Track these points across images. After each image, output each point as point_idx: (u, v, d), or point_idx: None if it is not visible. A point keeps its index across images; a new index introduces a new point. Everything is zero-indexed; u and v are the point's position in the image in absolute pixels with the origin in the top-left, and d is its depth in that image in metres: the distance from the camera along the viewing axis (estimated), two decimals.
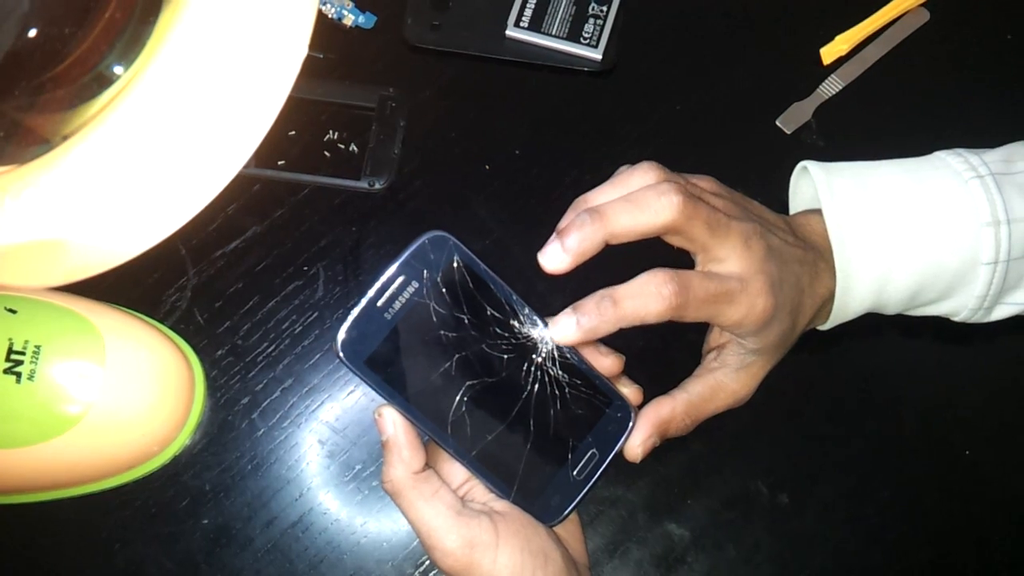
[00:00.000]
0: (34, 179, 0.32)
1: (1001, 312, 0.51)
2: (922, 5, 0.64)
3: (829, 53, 0.63)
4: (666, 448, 0.54)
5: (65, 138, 0.32)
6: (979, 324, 0.52)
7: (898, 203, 0.49)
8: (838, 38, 0.63)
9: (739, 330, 0.44)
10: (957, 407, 0.56)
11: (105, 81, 0.34)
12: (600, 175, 0.60)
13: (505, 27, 0.62)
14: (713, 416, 0.46)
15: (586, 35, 0.61)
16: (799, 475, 0.54)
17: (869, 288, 0.49)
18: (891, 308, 0.51)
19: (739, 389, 0.47)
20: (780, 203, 0.57)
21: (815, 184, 0.50)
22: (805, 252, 0.48)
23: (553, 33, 0.62)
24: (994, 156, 0.50)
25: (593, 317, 0.42)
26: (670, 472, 0.54)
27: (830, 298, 0.49)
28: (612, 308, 0.42)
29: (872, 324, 0.53)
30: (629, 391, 0.45)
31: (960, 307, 0.51)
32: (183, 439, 0.53)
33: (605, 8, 0.62)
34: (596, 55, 0.61)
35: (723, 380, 0.46)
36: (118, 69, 0.34)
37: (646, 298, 0.41)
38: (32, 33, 0.32)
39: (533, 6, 0.62)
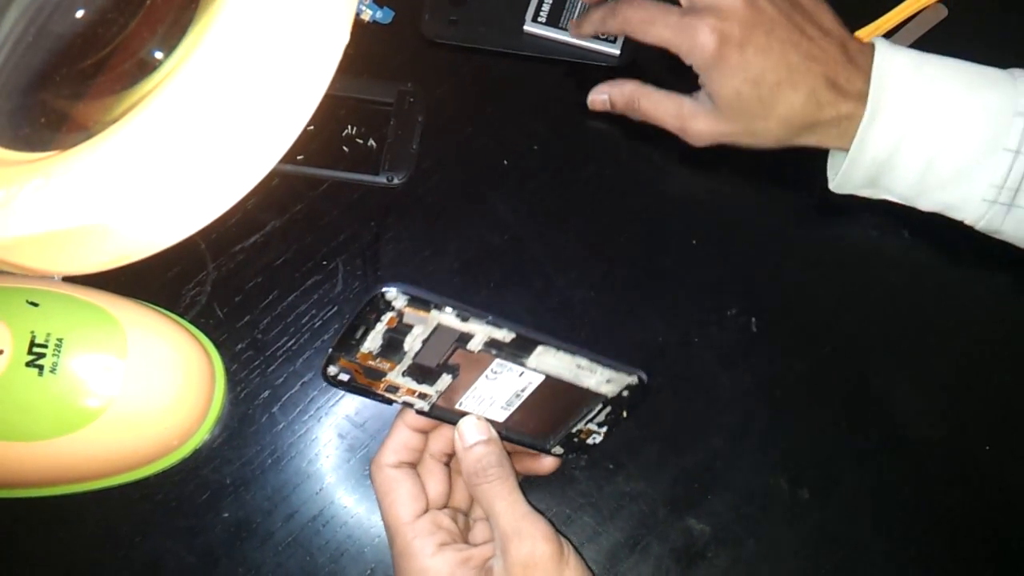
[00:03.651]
0: (75, 165, 0.32)
1: (1018, 218, 0.51)
2: (940, 1, 0.64)
3: None
4: (686, 442, 0.54)
5: (107, 126, 0.32)
6: (992, 235, 0.53)
7: (947, 69, 0.51)
8: (857, 34, 0.62)
9: (687, 59, 0.53)
10: (977, 402, 0.56)
11: (147, 68, 0.34)
12: (619, 170, 0.61)
13: (523, 22, 0.62)
14: (659, 128, 0.56)
15: None
16: (820, 470, 0.54)
17: (891, 129, 0.50)
18: (901, 176, 0.52)
19: (684, 114, 0.54)
20: (795, 196, 0.57)
21: (875, 45, 0.52)
22: (822, 50, 0.51)
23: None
24: None
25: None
26: (690, 467, 0.54)
27: (838, 119, 0.51)
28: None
29: (891, 320, 0.53)
30: (550, 461, 0.49)
31: (971, 196, 0.51)
32: (203, 433, 0.53)
33: None
34: (614, 50, 0.61)
35: (681, 99, 0.55)
36: (159, 55, 0.34)
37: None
38: (79, 14, 0.33)
39: (551, 1, 0.62)
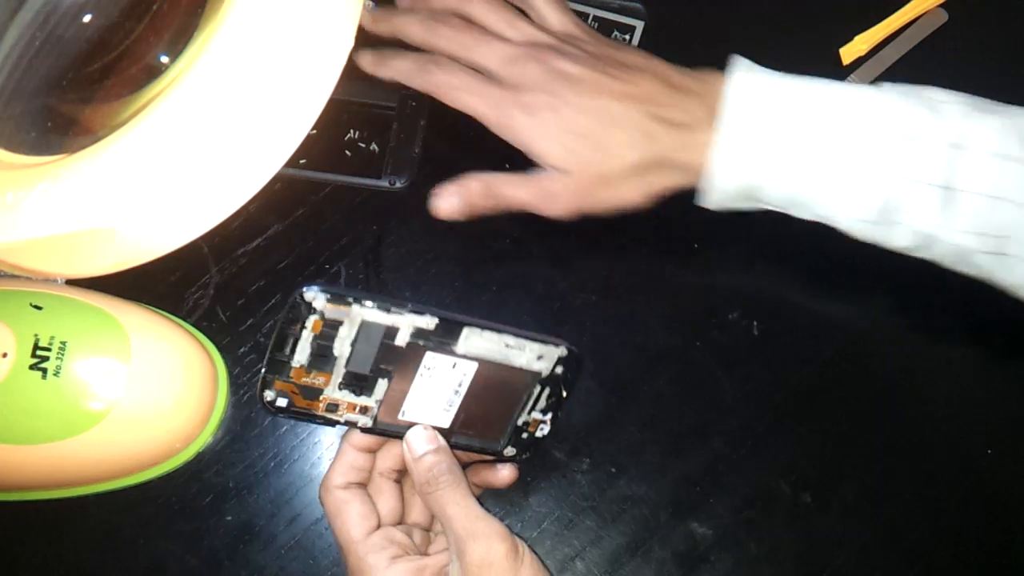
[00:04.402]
0: (82, 168, 0.32)
1: (902, 233, 0.49)
2: (941, 6, 0.64)
3: (849, 53, 0.63)
4: (687, 446, 0.55)
5: (113, 130, 0.32)
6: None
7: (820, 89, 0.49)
8: (857, 38, 0.63)
9: (506, 137, 0.52)
10: (979, 406, 0.56)
11: (154, 72, 0.34)
12: None
13: None
14: (523, 212, 0.52)
15: None
16: (822, 474, 0.54)
17: (747, 155, 0.48)
18: (775, 181, 0.49)
19: (542, 184, 0.51)
20: None
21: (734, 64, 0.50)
22: (636, 87, 0.50)
23: None
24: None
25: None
26: (692, 470, 0.54)
27: (683, 148, 0.50)
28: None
29: (894, 323, 0.53)
30: (507, 471, 0.49)
31: (847, 214, 0.49)
32: (206, 436, 0.53)
33: (627, 37, 0.62)
34: None
35: (533, 173, 0.52)
36: (165, 60, 0.34)
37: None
38: (87, 19, 0.33)
39: None
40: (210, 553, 0.52)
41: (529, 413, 0.48)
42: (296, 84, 0.34)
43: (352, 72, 0.61)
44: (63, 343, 0.48)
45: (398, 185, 0.59)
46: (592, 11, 0.62)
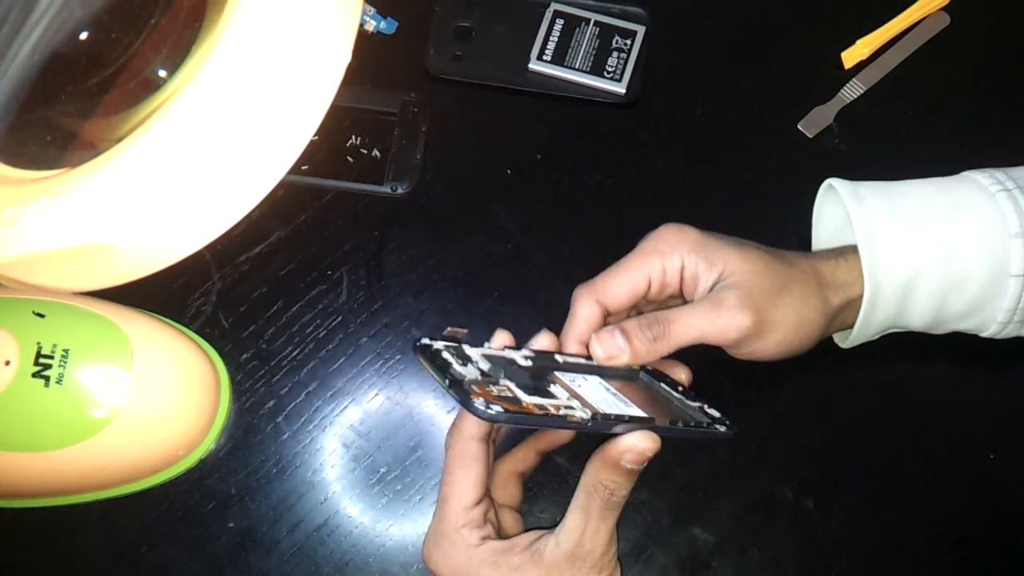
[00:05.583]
0: (83, 183, 0.32)
1: None
2: (942, 9, 0.64)
3: (850, 57, 0.63)
4: (691, 452, 0.54)
5: (113, 144, 0.32)
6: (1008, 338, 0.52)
7: (924, 212, 0.50)
8: (859, 42, 0.63)
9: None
10: (981, 411, 0.56)
11: (152, 86, 0.34)
12: (623, 179, 0.61)
13: (528, 60, 0.61)
14: (692, 345, 0.48)
15: (609, 69, 0.61)
16: (824, 480, 0.54)
17: (895, 292, 0.49)
18: (916, 319, 0.51)
19: (709, 313, 0.47)
20: (801, 207, 0.57)
21: (842, 196, 0.50)
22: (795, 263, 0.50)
23: (576, 67, 0.61)
24: (1022, 172, 0.50)
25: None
26: (695, 476, 0.54)
27: (844, 305, 0.49)
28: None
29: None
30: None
31: (988, 321, 0.51)
32: (208, 443, 0.53)
33: (629, 42, 0.62)
34: (620, 88, 0.61)
35: (705, 299, 0.48)
36: (163, 74, 0.34)
37: None
38: (83, 35, 0.33)
39: (556, 39, 0.62)
40: (212, 560, 0.52)
41: (675, 400, 0.47)
42: (296, 95, 0.34)
43: (353, 78, 0.61)
44: (66, 351, 0.48)
45: (400, 191, 0.59)
46: (594, 16, 0.62)
